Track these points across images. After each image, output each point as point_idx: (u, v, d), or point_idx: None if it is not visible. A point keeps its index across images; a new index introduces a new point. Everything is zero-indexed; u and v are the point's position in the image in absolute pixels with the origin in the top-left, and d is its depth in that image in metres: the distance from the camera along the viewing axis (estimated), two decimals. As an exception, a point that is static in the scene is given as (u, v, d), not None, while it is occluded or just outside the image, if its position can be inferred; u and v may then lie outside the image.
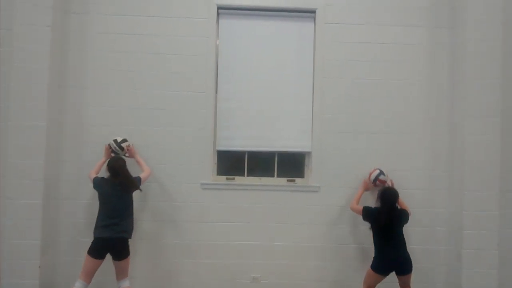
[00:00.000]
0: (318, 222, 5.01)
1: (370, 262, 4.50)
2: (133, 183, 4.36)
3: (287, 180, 5.13)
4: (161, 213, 4.94)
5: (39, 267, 4.60)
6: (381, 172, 4.79)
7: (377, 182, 4.78)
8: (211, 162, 5.03)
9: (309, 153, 5.11)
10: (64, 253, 4.86)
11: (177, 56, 5.01)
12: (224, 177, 5.12)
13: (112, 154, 4.68)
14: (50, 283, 4.81)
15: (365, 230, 4.89)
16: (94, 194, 4.65)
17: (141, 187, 4.45)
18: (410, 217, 4.57)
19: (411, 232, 4.91)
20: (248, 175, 5.15)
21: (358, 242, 4.99)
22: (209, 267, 4.96)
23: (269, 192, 5.02)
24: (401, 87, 5.09)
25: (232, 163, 5.19)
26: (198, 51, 5.03)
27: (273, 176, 5.16)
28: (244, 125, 5.08)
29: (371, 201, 4.82)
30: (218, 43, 5.12)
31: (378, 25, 5.10)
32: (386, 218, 4.35)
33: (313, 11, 5.11)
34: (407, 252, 4.39)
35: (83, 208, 4.77)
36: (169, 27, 5.02)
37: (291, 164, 5.20)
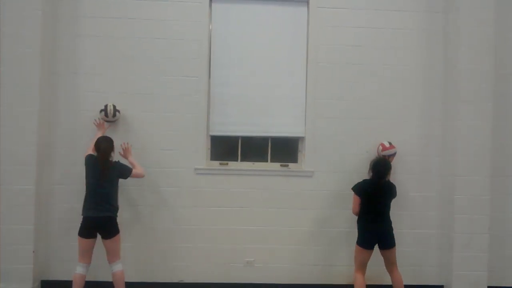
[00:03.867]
0: (312, 207, 5.04)
1: (354, 251, 4.54)
2: (113, 170, 4.31)
3: (281, 165, 5.15)
4: (155, 198, 4.95)
5: (33, 252, 4.62)
6: (382, 145, 4.89)
7: (385, 154, 4.83)
8: (205, 147, 5.03)
9: (302, 138, 5.12)
10: (57, 237, 4.87)
11: (170, 40, 4.98)
12: (217, 162, 5.13)
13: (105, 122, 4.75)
14: (44, 267, 4.84)
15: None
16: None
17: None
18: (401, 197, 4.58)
19: (403, 216, 4.98)
20: (241, 160, 5.16)
21: (351, 226, 4.98)
22: (203, 251, 4.99)
23: (263, 177, 5.04)
24: (395, 72, 5.10)
25: (225, 148, 5.19)
26: (191, 36, 5.00)
27: (267, 161, 5.17)
28: (238, 110, 5.08)
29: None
30: (211, 27, 5.09)
31: (372, 9, 5.09)
32: (375, 188, 4.37)
33: (306, -4, 5.09)
34: (390, 226, 4.40)
35: (76, 193, 4.75)
36: (162, 11, 4.98)
37: (284, 149, 5.21)
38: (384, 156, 4.80)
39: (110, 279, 4.36)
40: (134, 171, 4.49)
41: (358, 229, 4.48)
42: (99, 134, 4.64)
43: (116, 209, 4.33)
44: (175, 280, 4.97)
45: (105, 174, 4.23)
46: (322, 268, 5.06)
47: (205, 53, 5.01)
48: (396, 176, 5.00)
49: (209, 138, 5.10)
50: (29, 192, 4.61)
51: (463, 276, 4.79)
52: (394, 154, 4.86)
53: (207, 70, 5.04)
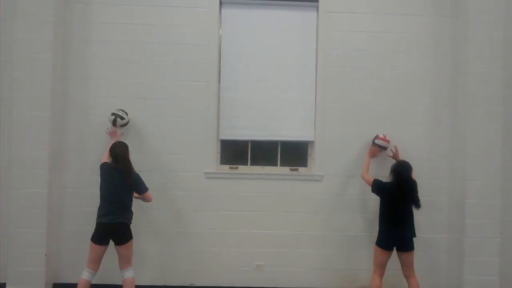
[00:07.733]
0: (321, 211, 5.04)
1: (373, 252, 4.52)
2: (132, 176, 4.27)
3: (290, 169, 5.15)
4: (165, 202, 4.97)
5: (45, 255, 4.67)
6: (377, 136, 4.91)
7: (376, 143, 4.86)
8: (215, 151, 5.06)
9: (312, 142, 5.13)
10: (69, 241, 4.91)
11: (180, 45, 5.02)
12: (227, 166, 5.15)
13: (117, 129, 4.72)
14: (56, 270, 4.88)
15: (368, 219, 4.96)
16: (98, 182, 4.61)
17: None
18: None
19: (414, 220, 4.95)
20: (251, 164, 5.18)
21: (361, 230, 5.02)
22: (213, 255, 5.00)
23: (272, 181, 5.05)
24: (404, 76, 5.10)
25: (235, 152, 5.22)
26: (201, 41, 5.03)
27: (276, 165, 5.18)
28: (247, 114, 5.10)
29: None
30: (221, 33, 5.12)
31: (381, 14, 5.10)
32: (399, 192, 4.34)
33: (315, 0, 5.10)
34: (412, 230, 4.38)
35: (87, 197, 4.80)
36: (172, 17, 5.03)
37: (294, 153, 5.22)
38: (375, 144, 4.84)
39: (120, 283, 4.37)
40: (148, 193, 4.42)
41: (379, 229, 4.48)
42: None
43: (131, 216, 4.33)
44: (185, 283, 4.99)
45: (128, 179, 4.21)
46: (331, 272, 5.05)
47: (215, 58, 5.04)
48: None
49: (219, 142, 5.13)
50: (41, 196, 4.66)
51: (474, 281, 4.75)
52: (385, 148, 4.87)
53: (217, 74, 5.07)
